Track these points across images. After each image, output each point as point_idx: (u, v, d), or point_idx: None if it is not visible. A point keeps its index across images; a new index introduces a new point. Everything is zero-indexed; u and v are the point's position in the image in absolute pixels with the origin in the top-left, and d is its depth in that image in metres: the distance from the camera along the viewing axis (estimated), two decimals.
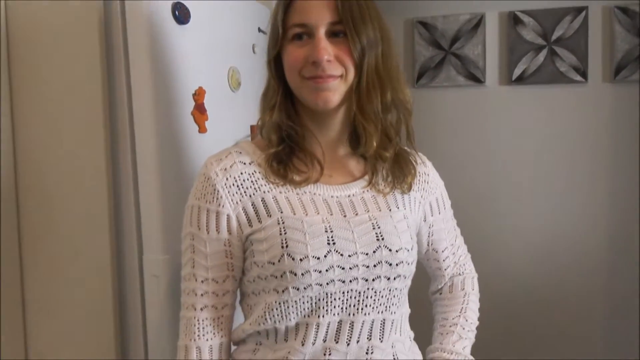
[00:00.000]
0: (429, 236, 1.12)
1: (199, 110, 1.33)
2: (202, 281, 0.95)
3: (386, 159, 0.99)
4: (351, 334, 0.92)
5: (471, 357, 1.09)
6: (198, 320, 0.96)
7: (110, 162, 1.30)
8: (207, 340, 0.96)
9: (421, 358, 1.08)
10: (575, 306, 2.51)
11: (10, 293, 1.37)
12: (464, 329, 1.10)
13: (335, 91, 0.93)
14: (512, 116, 2.48)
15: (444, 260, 1.15)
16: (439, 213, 1.11)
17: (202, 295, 0.96)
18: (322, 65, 0.90)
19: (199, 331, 0.96)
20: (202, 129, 1.34)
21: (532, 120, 2.45)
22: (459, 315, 1.11)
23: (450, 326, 1.10)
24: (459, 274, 1.18)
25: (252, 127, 1.44)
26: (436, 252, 1.14)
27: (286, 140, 0.97)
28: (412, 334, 1.06)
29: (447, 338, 1.08)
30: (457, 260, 1.17)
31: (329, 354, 0.92)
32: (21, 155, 1.37)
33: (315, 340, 0.92)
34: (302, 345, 0.92)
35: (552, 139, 2.44)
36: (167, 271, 1.25)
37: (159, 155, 1.25)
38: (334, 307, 0.91)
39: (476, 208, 2.51)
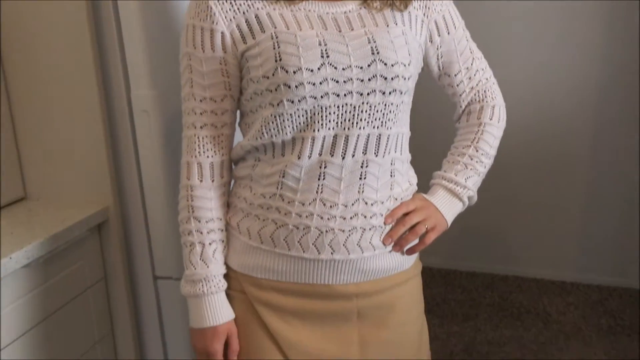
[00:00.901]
0: (438, 58, 1.08)
1: None
2: (200, 100, 0.97)
3: None
4: (346, 148, 0.96)
5: (472, 189, 1.08)
6: (198, 137, 0.99)
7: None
8: (207, 157, 1.00)
9: (415, 180, 1.10)
10: (563, 157, 2.64)
11: (4, 138, 1.37)
12: (471, 159, 1.08)
13: None
14: None
15: (457, 85, 1.10)
16: (448, 33, 1.06)
17: (201, 114, 0.98)
18: None
19: (199, 148, 0.99)
20: None
21: None
22: (469, 145, 1.09)
23: (458, 155, 1.09)
24: (477, 101, 1.12)
25: None
26: (448, 76, 1.10)
27: None
28: (409, 156, 1.08)
29: (451, 167, 1.08)
30: (474, 86, 1.11)
31: (325, 167, 0.96)
32: (3, 4, 1.31)
33: (311, 154, 0.96)
34: (299, 158, 0.96)
35: None
36: (156, 107, 1.26)
37: None
38: (329, 121, 0.94)
39: None
